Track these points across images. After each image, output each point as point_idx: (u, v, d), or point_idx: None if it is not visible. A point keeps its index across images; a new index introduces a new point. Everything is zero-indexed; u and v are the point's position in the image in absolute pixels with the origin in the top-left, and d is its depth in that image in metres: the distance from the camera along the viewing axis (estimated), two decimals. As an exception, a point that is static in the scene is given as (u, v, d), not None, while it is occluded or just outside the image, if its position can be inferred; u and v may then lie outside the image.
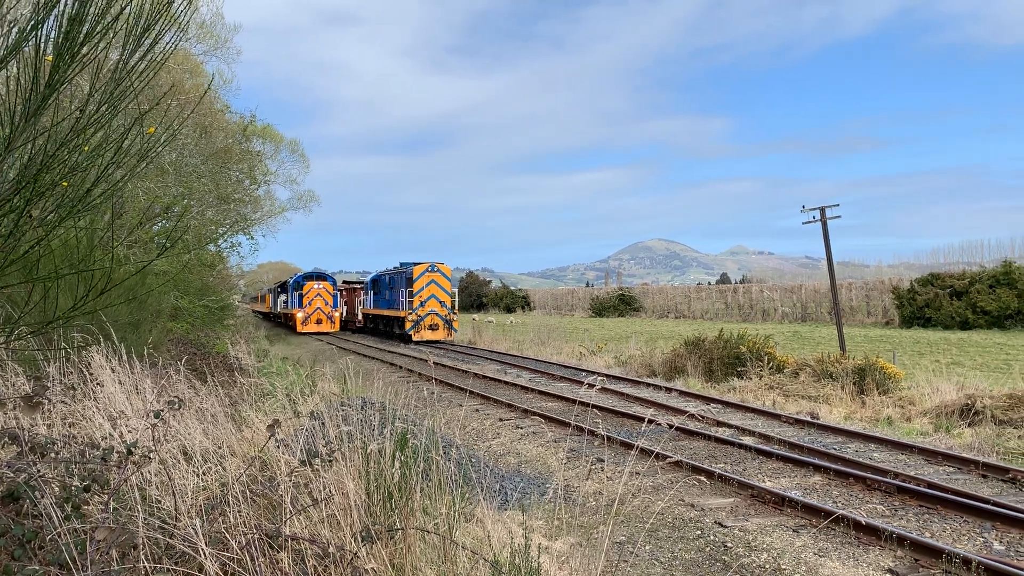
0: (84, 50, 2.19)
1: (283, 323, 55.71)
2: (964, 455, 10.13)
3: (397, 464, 5.29)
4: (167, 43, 2.67)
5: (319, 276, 49.43)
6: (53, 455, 4.99)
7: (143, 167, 2.48)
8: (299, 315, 46.37)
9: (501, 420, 13.70)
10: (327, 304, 47.18)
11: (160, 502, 5.24)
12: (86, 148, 2.24)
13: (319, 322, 46.51)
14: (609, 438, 11.29)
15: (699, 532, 7.41)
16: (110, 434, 6.25)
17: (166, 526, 4.76)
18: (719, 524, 7.57)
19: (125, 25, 2.32)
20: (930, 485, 8.62)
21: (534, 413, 13.92)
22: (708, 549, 6.99)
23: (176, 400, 5.05)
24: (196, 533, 4.42)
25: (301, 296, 47.18)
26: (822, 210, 21.27)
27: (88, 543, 3.76)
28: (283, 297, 56.43)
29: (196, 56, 27.26)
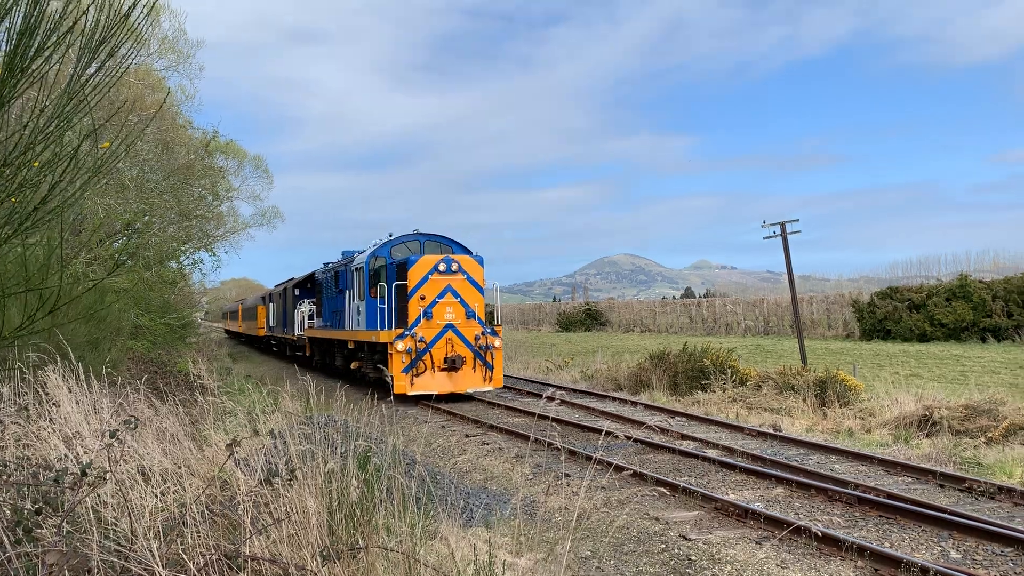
0: (35, 64, 2.16)
1: (317, 364, 26.50)
2: (922, 465, 10.30)
3: (356, 482, 5.24)
4: (124, 55, 2.64)
5: (434, 240, 20.24)
6: (5, 478, 4.87)
7: (96, 182, 2.44)
8: (400, 347, 17.42)
9: (467, 436, 13.64)
10: (467, 317, 18.30)
11: (116, 524, 5.13)
12: (36, 163, 2.21)
13: (453, 365, 17.84)
14: (574, 452, 11.30)
15: (664, 546, 7.43)
16: (65, 455, 6.12)
17: (122, 548, 4.67)
18: (683, 537, 7.60)
19: (80, 38, 2.29)
20: (889, 495, 8.74)
21: (500, 429, 13.89)
22: (672, 563, 7.01)
23: (132, 419, 4.96)
24: (152, 555, 4.34)
25: (402, 292, 18.30)
26: (782, 225, 21.58)
27: (39, 567, 3.67)
28: (306, 307, 28.23)
29: (158, 71, 27.02)
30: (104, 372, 9.00)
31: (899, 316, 39.17)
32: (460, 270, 18.32)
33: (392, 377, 17.30)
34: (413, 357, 17.54)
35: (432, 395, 17.54)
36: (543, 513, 8.54)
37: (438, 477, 9.70)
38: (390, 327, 18.02)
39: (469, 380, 18.14)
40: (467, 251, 20.13)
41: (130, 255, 20.43)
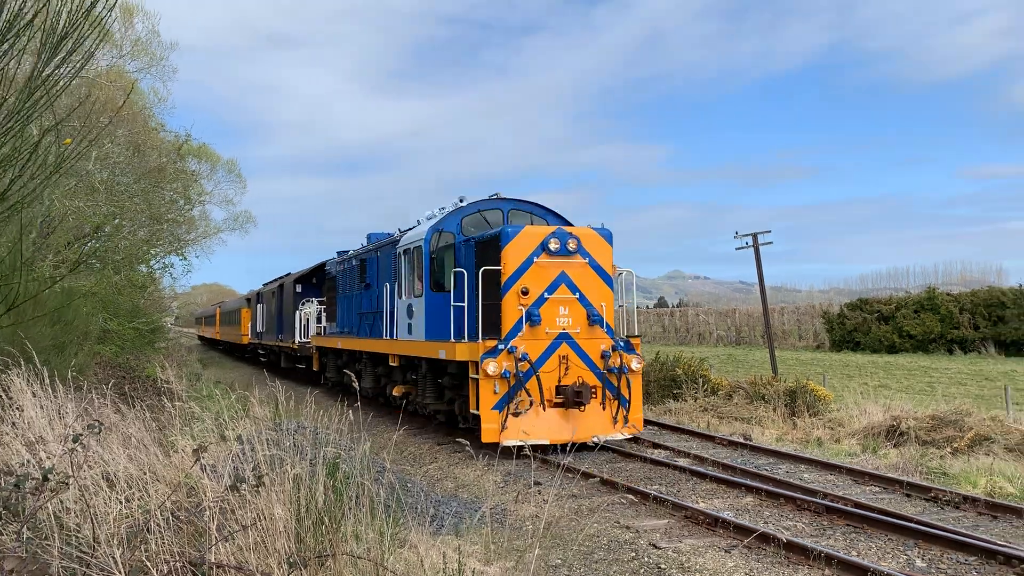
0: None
1: (330, 382, 20.66)
2: (889, 475, 10.40)
3: (322, 488, 5.18)
4: (89, 50, 2.59)
5: (522, 209, 14.30)
6: (-37, 482, 4.77)
7: (57, 179, 2.39)
8: (491, 369, 11.35)
9: (439, 444, 13.58)
10: (590, 324, 12.08)
11: (79, 530, 5.04)
12: (-5, 159, 2.15)
13: (577, 397, 11.60)
14: (546, 461, 11.28)
15: (634, 554, 7.43)
16: (27, 460, 6.01)
17: (84, 555, 4.58)
18: (653, 545, 7.61)
19: (41, 32, 2.25)
20: (857, 505, 8.81)
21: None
22: (642, 571, 7.01)
23: (96, 424, 4.88)
24: (115, 562, 4.26)
25: (492, 283, 12.07)
26: (755, 236, 21.80)
27: (-3, 574, 3.59)
28: (312, 308, 22.84)
29: (130, 73, 26.74)
30: (70, 376, 8.85)
31: (868, 327, 39.68)
32: (579, 250, 12.11)
33: (480, 417, 11.53)
34: (511, 385, 11.49)
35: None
36: (514, 521, 8.52)
37: (408, 485, 9.64)
38: (471, 336, 12.13)
39: (594, 422, 11.84)
40: (565, 223, 13.84)
41: (96, 255, 20.12)
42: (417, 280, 14.29)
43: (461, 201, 14.36)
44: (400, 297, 15.23)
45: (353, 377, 6.38)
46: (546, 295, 11.95)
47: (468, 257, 13.10)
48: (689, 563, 7.10)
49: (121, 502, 5.43)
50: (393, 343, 15.33)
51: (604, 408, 12.02)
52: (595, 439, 11.46)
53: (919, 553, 7.38)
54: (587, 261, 12.22)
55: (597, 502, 9.24)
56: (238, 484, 4.80)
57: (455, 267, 13.09)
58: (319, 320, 22.55)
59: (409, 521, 6.18)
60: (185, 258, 32.16)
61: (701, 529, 8.19)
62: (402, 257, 15.11)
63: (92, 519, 4.69)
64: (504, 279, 11.88)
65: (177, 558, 4.52)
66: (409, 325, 14.66)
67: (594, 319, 12.11)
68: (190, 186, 31.41)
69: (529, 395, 11.56)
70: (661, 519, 8.59)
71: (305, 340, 23.16)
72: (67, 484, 4.58)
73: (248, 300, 36.38)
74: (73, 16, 2.24)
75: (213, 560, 4.55)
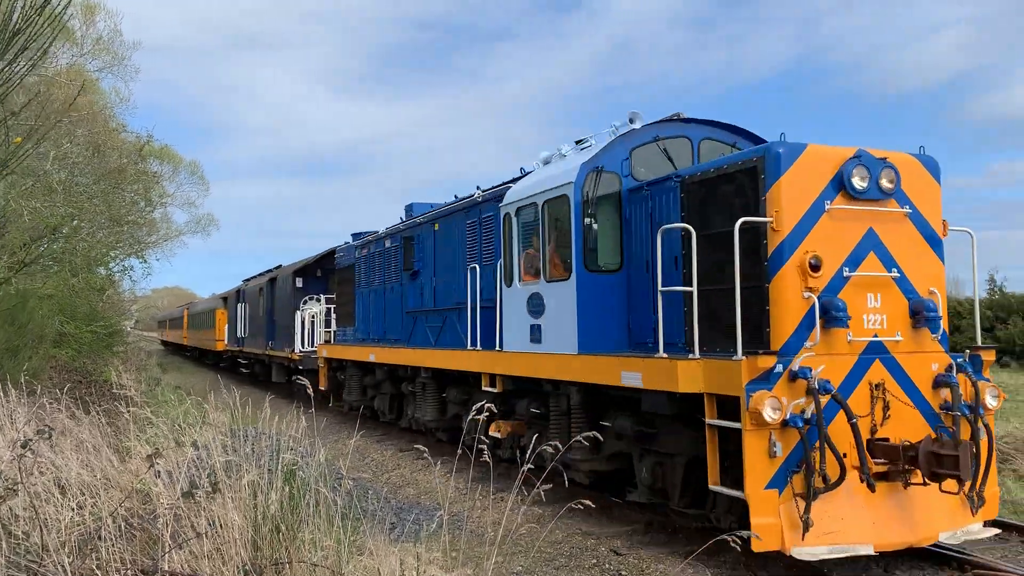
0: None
1: (350, 405, 16.15)
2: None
3: (276, 495, 5.13)
4: (42, 47, 2.53)
5: (720, 138, 9.03)
6: (-94, 489, 4.64)
7: (7, 177, 2.34)
8: (769, 412, 5.98)
9: (401, 451, 13.50)
10: (916, 323, 6.92)
11: (28, 538, 4.93)
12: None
13: (936, 465, 6.11)
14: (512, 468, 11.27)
15: (595, 561, 7.45)
16: (-25, 467, 5.86)
17: (32, 564, 4.48)
18: (615, 552, 7.63)
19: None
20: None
21: (436, 442, 13.77)
22: (603, 578, 7.03)
23: (46, 429, 4.78)
24: (64, 570, 4.17)
25: (752, 250, 6.49)
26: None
27: (-61, 583, 3.50)
28: (319, 307, 18.78)
29: (91, 72, 26.34)
30: (23, 380, 8.66)
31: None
32: (897, 192, 6.92)
33: (748, 500, 6.20)
34: (802, 438, 6.12)
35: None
36: (475, 527, 8.50)
37: (369, 492, 9.58)
38: (712, 348, 6.93)
39: (934, 507, 6.58)
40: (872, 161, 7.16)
41: (51, 256, 19.72)
42: (554, 254, 9.06)
43: (631, 121, 8.99)
44: (508, 284, 10.01)
45: (307, 384, 6.25)
46: (846, 272, 6.77)
47: (663, 210, 8.04)
48: (650, 569, 7.14)
49: (73, 509, 5.33)
50: (496, 356, 10.19)
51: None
52: (944, 537, 6.60)
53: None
54: (907, 211, 7.06)
55: (560, 508, 9.24)
56: (193, 491, 4.73)
57: (667, 223, 7.47)
58: (328, 324, 18.15)
59: (368, 528, 6.13)
60: (145, 261, 31.71)
61: (662, 536, 8.23)
62: (513, 220, 9.80)
63: (41, 526, 4.59)
64: (775, 243, 6.62)
65: (129, 566, 4.44)
66: (533, 328, 9.48)
67: (928, 314, 7.04)
68: (151, 188, 31.03)
69: (838, 457, 6.15)
70: (623, 525, 8.62)
71: (310, 349, 18.56)
72: (15, 491, 4.48)
73: (224, 299, 30.54)
74: (27, 12, 2.19)
75: (167, 568, 4.48)
